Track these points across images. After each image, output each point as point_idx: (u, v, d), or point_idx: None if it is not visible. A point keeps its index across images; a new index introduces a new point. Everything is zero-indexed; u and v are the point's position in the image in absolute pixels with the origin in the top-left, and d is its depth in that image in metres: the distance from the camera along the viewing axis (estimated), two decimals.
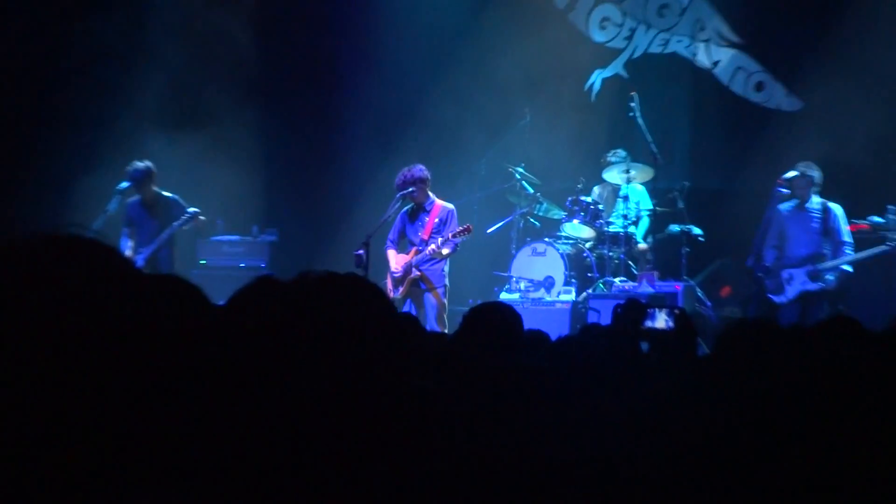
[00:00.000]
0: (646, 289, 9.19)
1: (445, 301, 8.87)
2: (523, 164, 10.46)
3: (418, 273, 8.81)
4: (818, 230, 8.86)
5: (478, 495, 1.24)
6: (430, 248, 8.69)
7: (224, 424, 1.30)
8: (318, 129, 11.63)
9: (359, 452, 1.33)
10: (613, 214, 10.18)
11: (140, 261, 8.97)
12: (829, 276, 8.76)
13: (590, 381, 2.85)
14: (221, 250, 10.80)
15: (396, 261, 8.93)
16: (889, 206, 9.41)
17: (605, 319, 7.75)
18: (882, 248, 8.79)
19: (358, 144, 11.33)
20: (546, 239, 10.03)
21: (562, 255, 9.80)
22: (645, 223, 10.26)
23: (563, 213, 10.16)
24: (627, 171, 10.03)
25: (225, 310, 1.48)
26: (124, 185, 9.19)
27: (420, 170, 8.83)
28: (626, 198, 10.06)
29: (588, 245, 10.09)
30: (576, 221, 9.97)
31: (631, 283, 9.53)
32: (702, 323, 9.17)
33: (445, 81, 11.31)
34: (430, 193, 8.96)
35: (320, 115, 11.65)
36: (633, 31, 11.69)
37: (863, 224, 9.38)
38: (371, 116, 11.33)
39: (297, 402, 1.34)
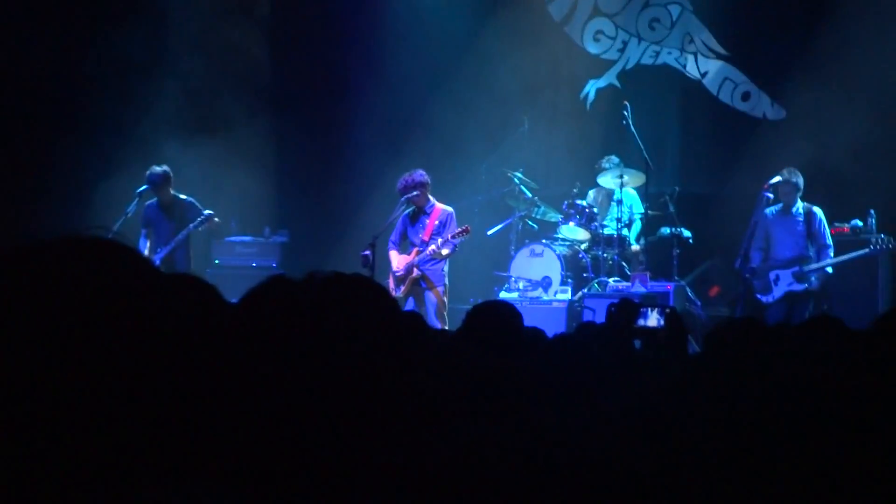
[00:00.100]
0: (638, 289, 9.18)
1: (445, 299, 8.87)
2: (522, 170, 10.46)
3: (419, 273, 8.80)
4: (802, 233, 8.84)
5: (475, 491, 1.23)
6: (430, 248, 8.68)
7: (237, 417, 1.30)
8: (328, 136, 11.64)
9: (361, 450, 1.32)
10: (607, 218, 10.18)
11: (157, 260, 8.94)
12: (813, 278, 8.75)
13: (585, 376, 2.85)
14: (235, 251, 10.79)
15: (398, 261, 8.93)
16: (870, 210, 9.41)
17: (600, 318, 7.70)
18: (865, 250, 8.79)
19: (365, 150, 11.33)
20: (543, 241, 10.04)
21: (558, 256, 9.81)
22: (637, 226, 10.26)
23: (559, 216, 10.16)
24: (621, 177, 10.03)
25: (238, 307, 1.48)
26: (143, 188, 9.19)
27: (420, 174, 8.82)
28: (619, 202, 10.06)
29: (583, 247, 10.10)
30: (572, 224, 9.97)
31: (624, 283, 9.52)
32: (692, 321, 9.18)
33: (448, 91, 11.32)
34: (431, 197, 8.94)
35: (329, 123, 11.66)
36: (625, 43, 11.69)
37: (844, 227, 9.37)
38: (377, 123, 11.33)
39: (303, 397, 1.34)
